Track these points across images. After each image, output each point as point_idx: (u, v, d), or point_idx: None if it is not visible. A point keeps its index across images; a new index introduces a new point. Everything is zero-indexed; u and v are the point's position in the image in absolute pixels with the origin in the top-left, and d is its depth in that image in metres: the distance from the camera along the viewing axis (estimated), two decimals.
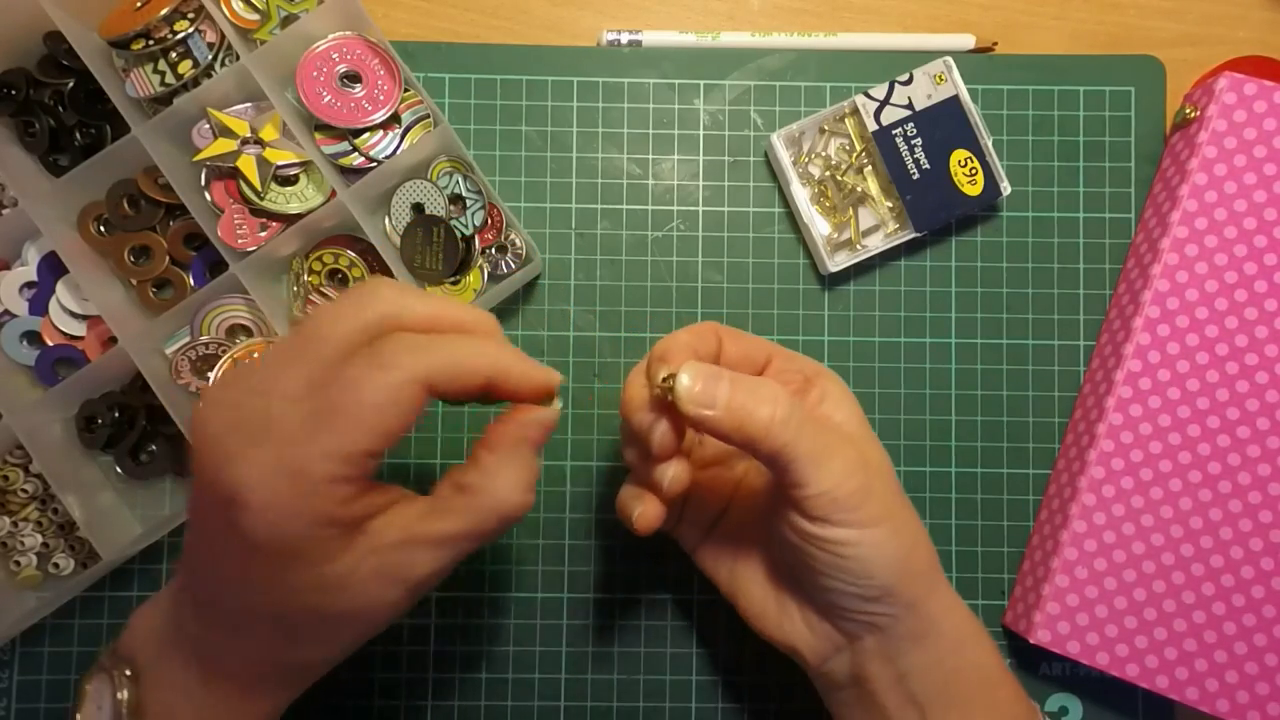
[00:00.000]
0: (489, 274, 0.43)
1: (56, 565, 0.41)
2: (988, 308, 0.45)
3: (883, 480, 0.34)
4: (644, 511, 0.34)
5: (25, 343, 0.43)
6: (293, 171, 0.42)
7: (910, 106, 0.43)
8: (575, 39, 0.47)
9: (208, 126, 0.42)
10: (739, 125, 0.46)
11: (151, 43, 0.41)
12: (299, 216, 0.42)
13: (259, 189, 0.41)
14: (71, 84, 0.42)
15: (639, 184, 0.45)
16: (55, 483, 0.39)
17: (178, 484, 0.44)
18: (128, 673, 0.31)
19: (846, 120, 0.45)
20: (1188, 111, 0.44)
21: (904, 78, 0.44)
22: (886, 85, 0.44)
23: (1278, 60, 0.46)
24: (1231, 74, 0.42)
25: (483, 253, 0.43)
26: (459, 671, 0.43)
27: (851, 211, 0.45)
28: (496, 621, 0.44)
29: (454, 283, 0.43)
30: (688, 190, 0.45)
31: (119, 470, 0.43)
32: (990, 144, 0.44)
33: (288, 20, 0.42)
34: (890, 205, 0.45)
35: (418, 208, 0.43)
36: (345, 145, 0.42)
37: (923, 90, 0.44)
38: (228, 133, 0.41)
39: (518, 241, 0.43)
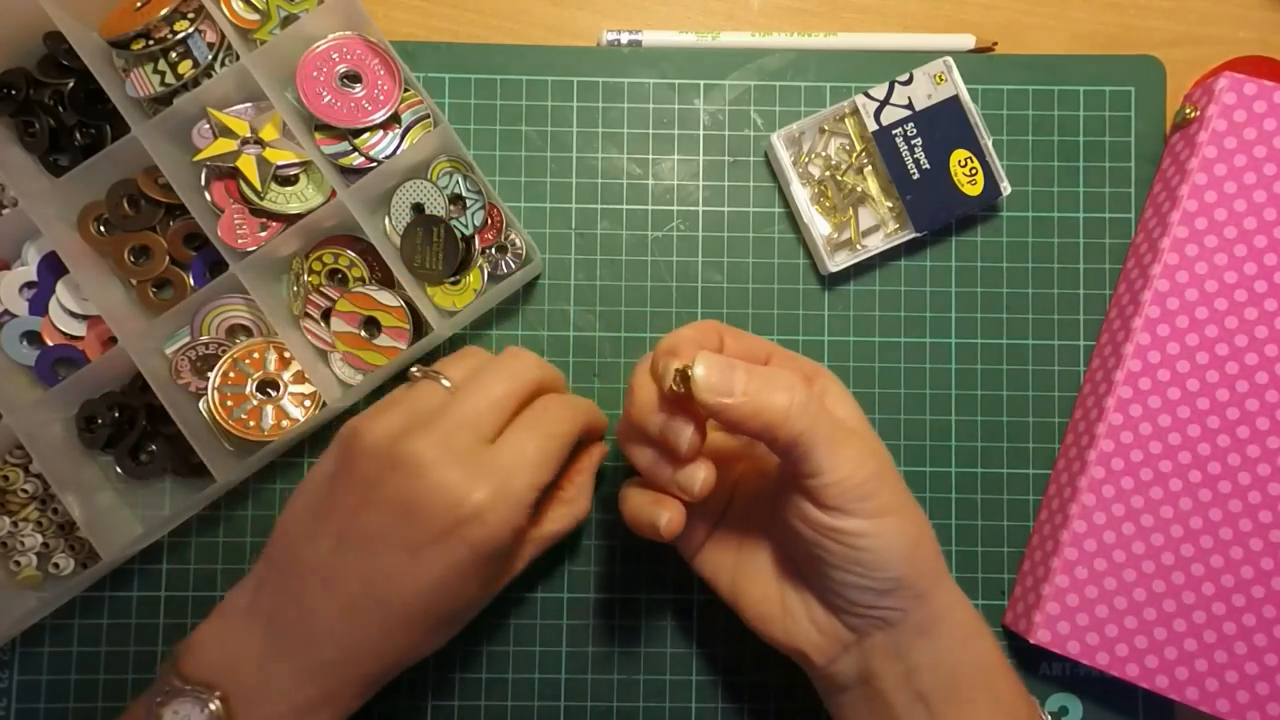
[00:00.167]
0: (489, 274, 0.43)
1: (56, 565, 0.41)
2: (988, 308, 0.45)
3: (892, 471, 0.34)
4: (672, 518, 0.34)
5: (25, 343, 0.43)
6: (293, 171, 0.42)
7: (910, 106, 0.44)
8: (575, 39, 0.47)
9: (208, 126, 0.42)
10: (739, 125, 0.46)
11: (151, 43, 0.41)
12: (299, 216, 0.42)
13: (259, 189, 0.41)
14: (71, 84, 0.42)
15: (639, 184, 0.45)
16: (55, 483, 0.39)
17: (178, 484, 0.44)
18: (218, 694, 0.33)
19: (846, 120, 0.45)
20: (1188, 111, 0.44)
21: (904, 78, 0.44)
22: (886, 85, 0.44)
23: (1278, 60, 0.46)
24: (1231, 74, 0.42)
25: (483, 253, 0.43)
26: (459, 671, 0.44)
27: (851, 211, 0.45)
28: (496, 621, 0.44)
29: (454, 283, 0.43)
30: (688, 190, 0.45)
31: (119, 470, 0.43)
32: (990, 144, 0.44)
33: (288, 20, 0.42)
34: (890, 205, 0.45)
35: (418, 208, 0.43)
36: (345, 145, 0.42)
37: (923, 90, 0.44)
38: (228, 133, 0.41)
39: (518, 241, 0.43)
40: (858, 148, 0.45)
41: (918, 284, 0.45)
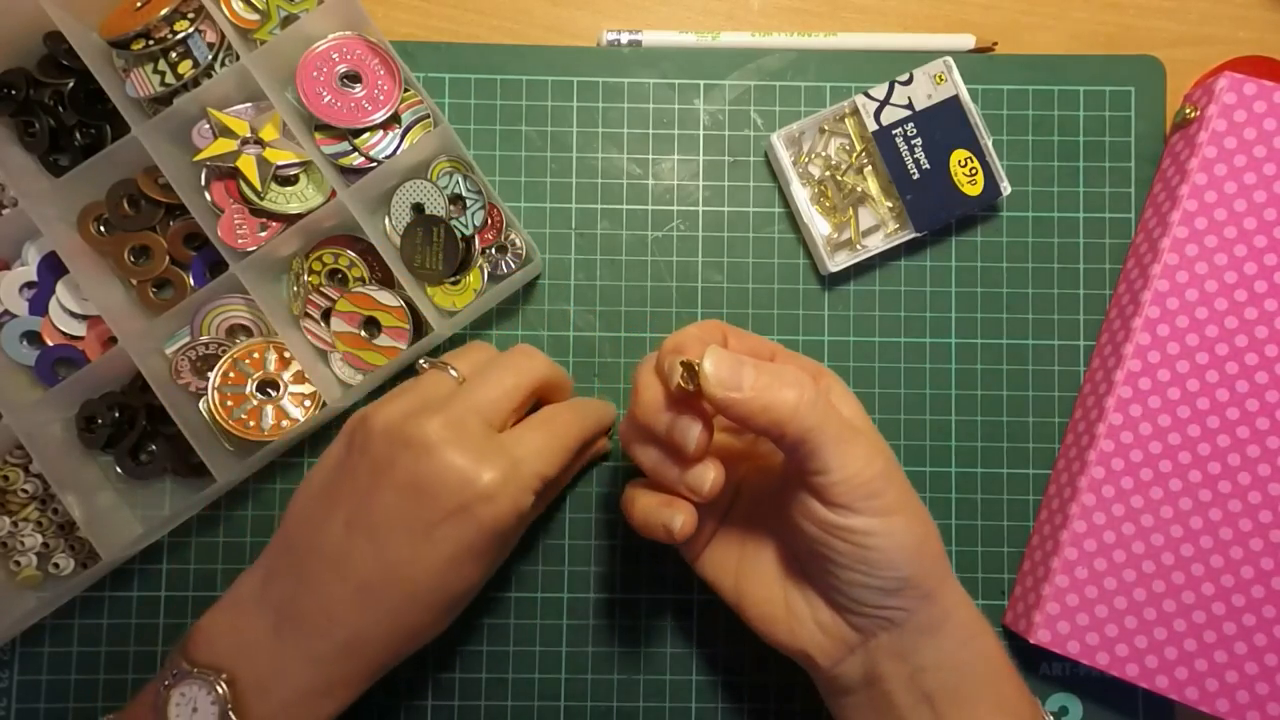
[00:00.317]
0: (489, 274, 0.43)
1: (56, 565, 0.41)
2: (988, 308, 0.45)
3: (898, 470, 0.34)
4: (686, 519, 0.34)
5: (25, 343, 0.43)
6: (293, 171, 0.42)
7: (910, 106, 0.44)
8: (575, 39, 0.47)
9: (208, 126, 0.42)
10: (739, 125, 0.46)
11: (151, 43, 0.41)
12: (299, 216, 0.42)
13: (259, 189, 0.41)
14: (71, 84, 0.42)
15: (639, 184, 0.45)
16: (55, 483, 0.39)
17: (178, 484, 0.44)
18: (225, 676, 0.33)
19: (846, 120, 0.45)
20: (1188, 111, 0.44)
21: (904, 78, 0.44)
22: (886, 85, 0.44)
23: (1278, 60, 0.46)
24: (1231, 74, 0.42)
25: (483, 253, 0.43)
26: (459, 671, 0.44)
27: (851, 211, 0.45)
28: (496, 621, 0.44)
29: (454, 283, 0.43)
30: (688, 190, 0.45)
31: (119, 470, 0.43)
32: (990, 144, 0.44)
33: (288, 20, 0.42)
34: (890, 205, 0.45)
35: (418, 208, 0.43)
36: (345, 145, 0.42)
37: (923, 90, 0.44)
38: (228, 133, 0.41)
39: (518, 241, 0.43)
40: (858, 148, 0.45)
41: (918, 284, 0.45)
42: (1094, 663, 0.41)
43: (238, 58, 0.41)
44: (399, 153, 0.42)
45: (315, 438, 0.44)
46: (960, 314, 0.45)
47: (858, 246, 0.44)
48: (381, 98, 0.42)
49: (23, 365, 0.42)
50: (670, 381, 0.32)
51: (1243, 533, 0.41)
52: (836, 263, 0.44)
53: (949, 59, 0.43)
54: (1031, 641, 0.41)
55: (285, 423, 0.41)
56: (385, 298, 0.42)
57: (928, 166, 0.43)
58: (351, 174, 0.43)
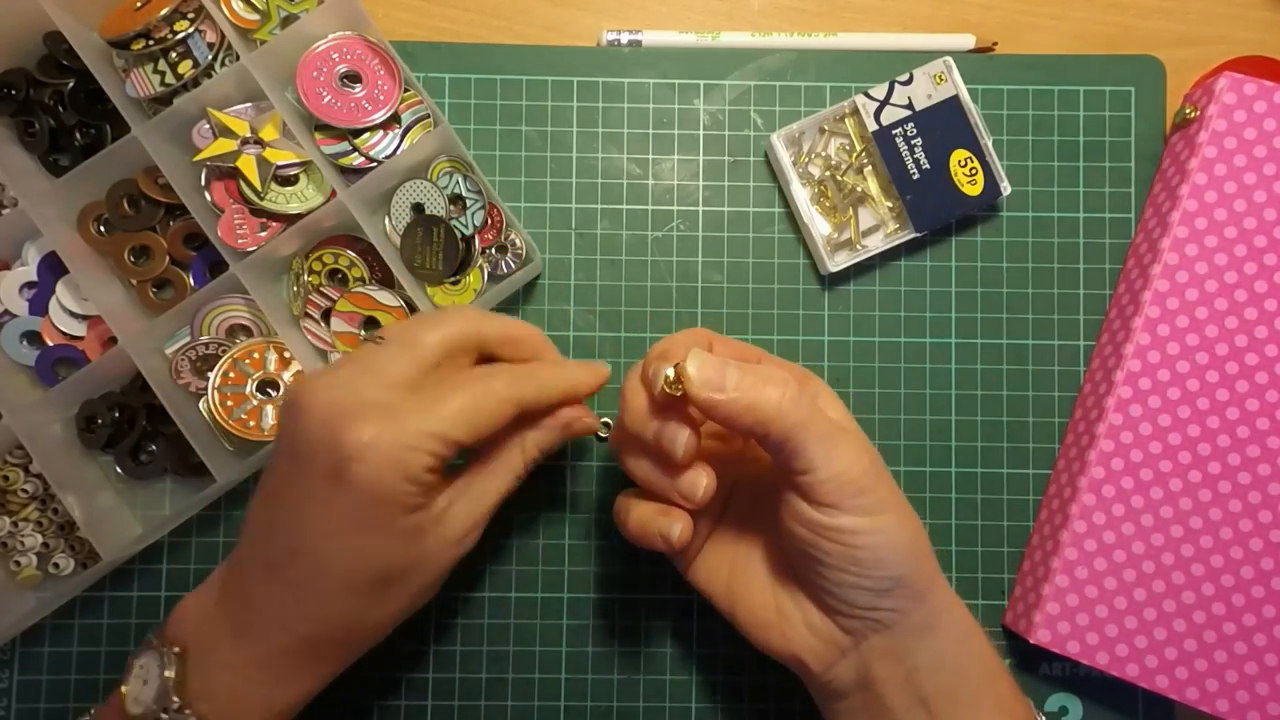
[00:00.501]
0: (489, 274, 0.43)
1: (56, 565, 0.41)
2: (988, 308, 0.45)
3: (884, 469, 0.34)
4: (685, 527, 0.34)
5: (25, 343, 0.43)
6: (293, 171, 0.42)
7: (910, 106, 0.43)
8: (575, 39, 0.47)
9: (208, 126, 0.42)
10: (739, 125, 0.46)
11: (151, 43, 0.41)
12: (299, 216, 0.42)
13: (259, 189, 0.41)
14: (71, 84, 0.42)
15: (639, 184, 0.45)
16: (55, 483, 0.39)
17: (178, 484, 0.44)
18: (176, 650, 0.33)
19: (846, 120, 0.45)
20: (1188, 111, 0.44)
21: (904, 78, 0.44)
22: (886, 85, 0.44)
23: (1278, 60, 0.46)
24: (1231, 74, 0.42)
25: (483, 253, 0.43)
26: (459, 671, 0.44)
27: (851, 211, 0.45)
28: (496, 621, 0.44)
29: (454, 283, 0.43)
30: (688, 190, 0.45)
31: (119, 470, 0.43)
32: (990, 144, 0.44)
33: (288, 20, 0.42)
34: (890, 205, 0.45)
35: (418, 208, 0.43)
36: (345, 145, 0.42)
37: (923, 90, 0.44)
38: (228, 133, 0.41)
39: (518, 241, 0.43)
40: (858, 148, 0.45)
41: (918, 284, 0.45)
42: (1094, 663, 0.41)
43: (238, 58, 0.41)
44: (399, 153, 0.42)
45: None
46: (960, 314, 0.45)
47: (858, 246, 0.44)
48: (381, 98, 0.42)
49: (23, 365, 0.42)
50: (655, 386, 0.32)
51: (1243, 533, 0.41)
52: (836, 263, 0.44)
53: (949, 59, 0.43)
54: (1031, 641, 0.41)
55: None
56: (385, 298, 0.42)
57: (928, 166, 0.43)
58: (351, 174, 0.43)
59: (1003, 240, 0.46)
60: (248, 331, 0.43)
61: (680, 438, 0.32)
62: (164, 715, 0.32)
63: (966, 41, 0.46)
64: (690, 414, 0.33)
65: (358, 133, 0.42)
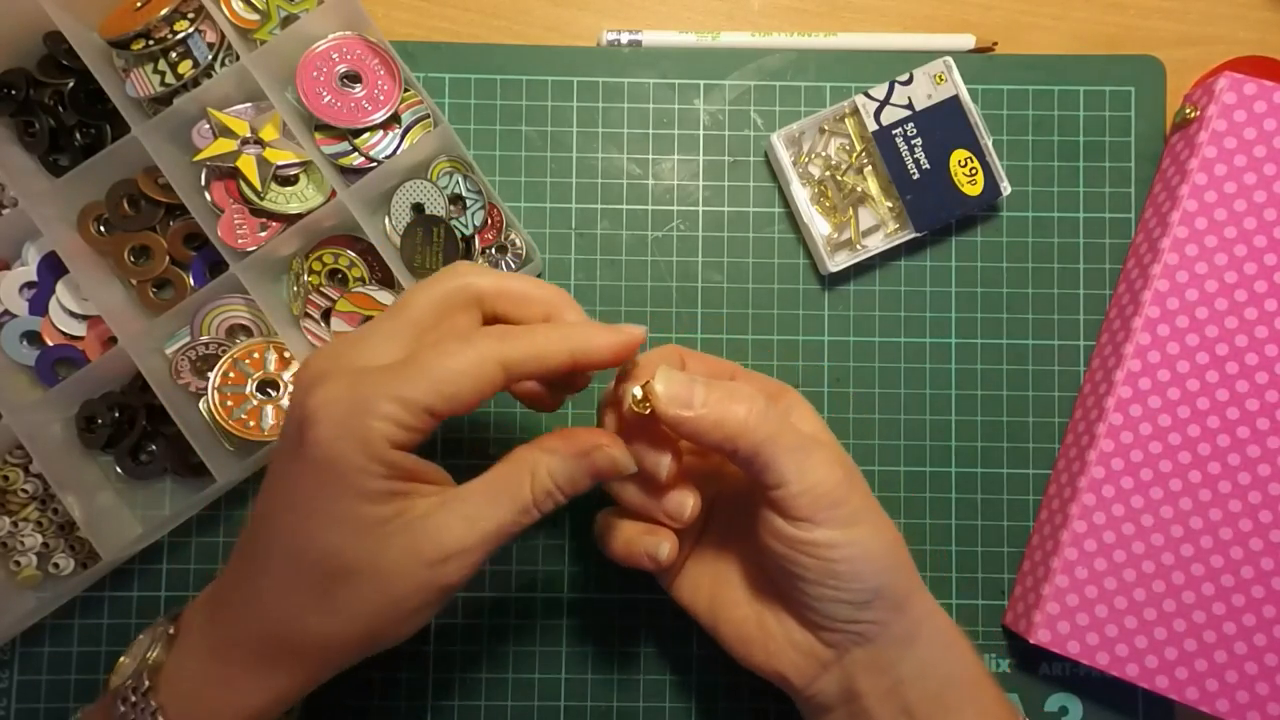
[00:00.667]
0: None
1: (56, 565, 0.41)
2: (988, 308, 0.45)
3: (860, 481, 0.34)
4: (671, 546, 0.34)
5: (25, 343, 0.43)
6: (293, 171, 0.42)
7: (910, 106, 0.43)
8: (575, 39, 0.47)
9: (208, 126, 0.42)
10: (739, 125, 0.46)
11: (151, 43, 0.41)
12: (299, 216, 0.42)
13: (259, 189, 0.41)
14: (71, 84, 0.42)
15: (639, 184, 0.45)
16: (55, 483, 0.39)
17: (178, 484, 0.44)
18: (170, 631, 0.32)
19: (846, 120, 0.45)
20: (1188, 111, 0.44)
21: (904, 78, 0.44)
22: (886, 85, 0.44)
23: (1278, 60, 0.46)
24: (1231, 74, 0.42)
25: (483, 253, 0.43)
26: (459, 671, 0.43)
27: (851, 211, 0.45)
28: (496, 621, 0.44)
29: None
30: (688, 190, 0.45)
31: (119, 470, 0.43)
32: (990, 144, 0.44)
33: (288, 20, 0.42)
34: (890, 205, 0.45)
35: (418, 208, 0.43)
36: (345, 145, 0.42)
37: (923, 90, 0.44)
38: (228, 133, 0.41)
39: (518, 241, 0.43)
40: (858, 148, 0.45)
41: (918, 284, 0.45)
42: (1094, 663, 0.41)
43: (238, 58, 0.41)
44: (399, 153, 0.42)
45: None
46: (960, 314, 0.45)
47: (858, 246, 0.44)
48: (381, 98, 0.42)
49: (23, 365, 0.42)
50: (624, 405, 0.32)
51: (1243, 533, 0.41)
52: (836, 263, 0.44)
53: (949, 59, 0.43)
54: (1031, 641, 0.41)
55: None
56: (385, 298, 0.42)
57: (928, 166, 0.43)
58: (351, 174, 0.43)
59: (1003, 240, 0.46)
60: (248, 331, 0.43)
61: (664, 461, 0.32)
62: (132, 696, 0.30)
63: (966, 41, 0.46)
64: (667, 434, 0.33)
65: (358, 133, 0.42)
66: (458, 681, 0.43)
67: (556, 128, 0.45)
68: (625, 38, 0.46)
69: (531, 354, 0.30)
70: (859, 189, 0.44)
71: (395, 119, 0.43)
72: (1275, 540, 0.40)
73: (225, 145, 0.41)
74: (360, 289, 0.42)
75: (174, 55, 0.41)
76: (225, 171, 0.42)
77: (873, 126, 0.43)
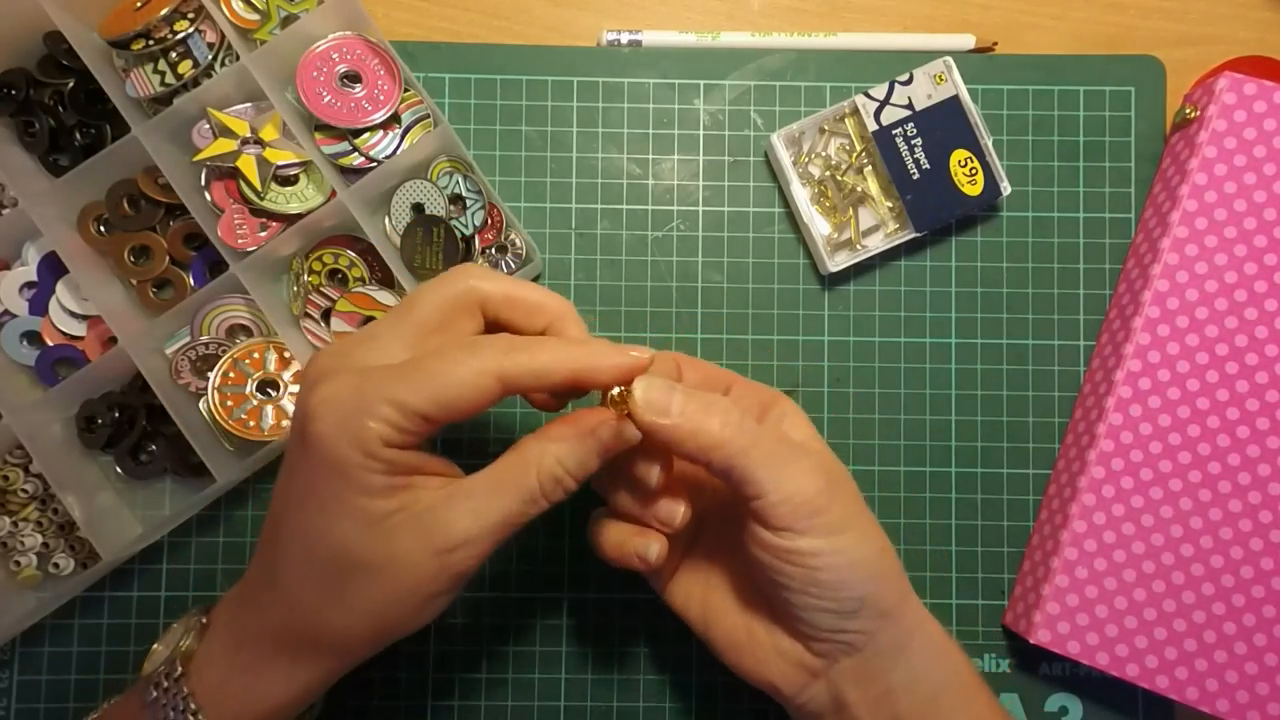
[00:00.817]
0: None
1: (56, 565, 0.41)
2: (988, 308, 0.45)
3: (845, 488, 0.34)
4: (660, 548, 0.34)
5: (25, 343, 0.43)
6: (293, 171, 0.42)
7: (910, 106, 0.43)
8: (575, 39, 0.47)
9: (208, 126, 0.42)
10: (739, 125, 0.46)
11: (151, 43, 0.41)
12: (299, 216, 0.42)
13: (259, 189, 0.41)
14: (71, 84, 0.42)
15: (639, 184, 0.45)
16: (55, 483, 0.39)
17: (178, 484, 0.44)
18: (203, 620, 0.33)
19: (846, 120, 0.45)
20: (1188, 111, 0.44)
21: (904, 78, 0.44)
22: (886, 85, 0.44)
23: (1278, 60, 0.46)
24: (1231, 74, 0.42)
25: (483, 253, 0.43)
26: (459, 671, 0.43)
27: (851, 211, 0.45)
28: (496, 621, 0.44)
29: None
30: (688, 190, 0.45)
31: (119, 470, 0.43)
32: (990, 144, 0.44)
33: (288, 20, 0.42)
34: (890, 205, 0.45)
35: (418, 208, 0.43)
36: (345, 145, 0.42)
37: (923, 90, 0.44)
38: (228, 133, 0.41)
39: (518, 241, 0.43)
40: (858, 148, 0.45)
41: (918, 284, 0.45)
42: (1094, 663, 0.41)
43: (238, 58, 0.41)
44: (399, 153, 0.42)
45: None
46: (960, 314, 0.45)
47: (858, 246, 0.44)
48: (381, 98, 0.42)
49: (23, 365, 0.42)
50: (603, 399, 0.32)
51: (1243, 533, 0.41)
52: (836, 263, 0.44)
53: (949, 59, 0.43)
54: (1031, 641, 0.41)
55: (285, 422, 0.41)
56: (385, 298, 0.42)
57: (928, 166, 0.43)
58: (351, 174, 0.43)
59: (1003, 240, 0.46)
60: (248, 331, 0.43)
61: (653, 470, 0.33)
62: (164, 682, 0.31)
63: (966, 41, 0.46)
64: (656, 441, 0.33)
65: (358, 133, 0.42)
66: (458, 681, 0.43)
67: (556, 128, 0.45)
68: (625, 38, 0.46)
69: (532, 371, 0.30)
70: (859, 189, 0.44)
71: (395, 119, 0.43)
72: (1275, 540, 0.40)
73: (225, 145, 0.41)
74: (360, 289, 0.42)
75: (174, 55, 0.41)
76: (225, 171, 0.42)
77: (873, 126, 0.43)
